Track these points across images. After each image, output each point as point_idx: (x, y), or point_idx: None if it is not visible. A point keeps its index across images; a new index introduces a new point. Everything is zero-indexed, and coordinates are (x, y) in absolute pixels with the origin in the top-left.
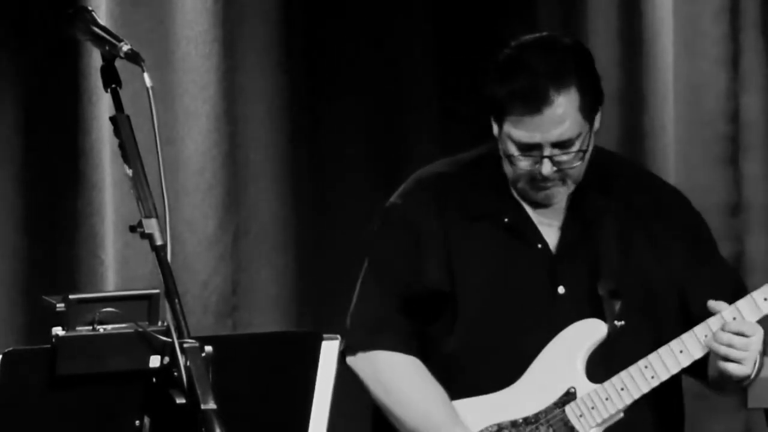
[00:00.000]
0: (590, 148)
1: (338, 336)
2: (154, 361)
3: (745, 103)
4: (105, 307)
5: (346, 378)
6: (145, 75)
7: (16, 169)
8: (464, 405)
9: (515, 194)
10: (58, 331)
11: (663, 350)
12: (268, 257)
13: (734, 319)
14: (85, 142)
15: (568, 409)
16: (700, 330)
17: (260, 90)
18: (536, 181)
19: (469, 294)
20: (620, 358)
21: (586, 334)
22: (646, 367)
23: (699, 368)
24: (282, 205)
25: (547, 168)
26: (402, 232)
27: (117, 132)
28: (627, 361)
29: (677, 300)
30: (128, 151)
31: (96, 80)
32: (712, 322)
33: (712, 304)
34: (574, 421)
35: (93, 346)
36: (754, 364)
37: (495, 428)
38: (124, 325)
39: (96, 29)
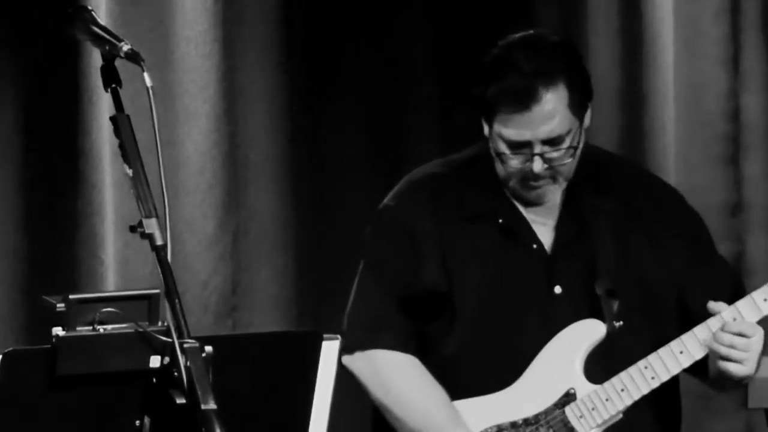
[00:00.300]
0: (581, 145)
1: (338, 336)
2: (154, 361)
3: (745, 103)
4: (105, 307)
5: (346, 378)
6: (145, 75)
7: (16, 169)
8: (463, 406)
9: (508, 194)
10: (58, 331)
11: (663, 351)
12: (268, 257)
13: (734, 319)
14: (85, 142)
15: (568, 410)
16: (700, 331)
17: (260, 90)
18: (528, 179)
19: (466, 295)
20: (619, 359)
21: (585, 334)
22: (646, 367)
23: (699, 367)
24: (282, 205)
25: (538, 165)
26: (397, 233)
27: (117, 132)
28: (626, 361)
29: (676, 300)
30: (128, 151)
31: (96, 80)
32: (712, 323)
33: (711, 305)
34: (574, 422)
35: (93, 346)
36: (755, 364)
37: (495, 429)
38: (124, 325)
39: (96, 29)
